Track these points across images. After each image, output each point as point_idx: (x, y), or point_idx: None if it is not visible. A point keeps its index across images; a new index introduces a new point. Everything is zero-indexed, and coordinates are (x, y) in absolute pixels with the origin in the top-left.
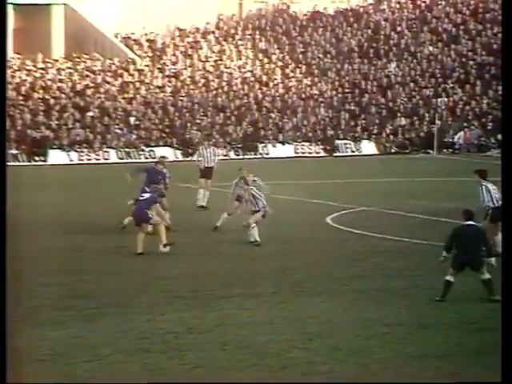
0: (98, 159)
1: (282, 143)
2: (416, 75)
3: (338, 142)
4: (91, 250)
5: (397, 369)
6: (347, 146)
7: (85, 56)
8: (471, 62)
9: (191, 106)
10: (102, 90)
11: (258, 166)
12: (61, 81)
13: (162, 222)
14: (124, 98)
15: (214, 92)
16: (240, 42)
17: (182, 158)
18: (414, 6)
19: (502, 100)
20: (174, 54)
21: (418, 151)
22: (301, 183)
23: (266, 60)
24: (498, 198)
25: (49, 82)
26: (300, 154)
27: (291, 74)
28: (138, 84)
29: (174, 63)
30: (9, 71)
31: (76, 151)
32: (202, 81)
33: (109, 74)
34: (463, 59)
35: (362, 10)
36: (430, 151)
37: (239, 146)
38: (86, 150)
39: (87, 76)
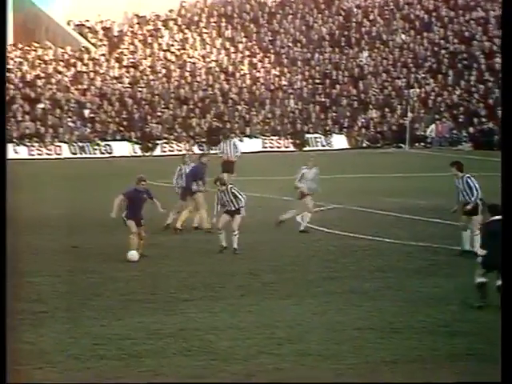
0: (49, 154)
1: (250, 137)
2: (388, 65)
3: (307, 135)
4: (42, 250)
5: (368, 375)
6: (317, 140)
7: (35, 44)
8: (443, 51)
9: (151, 98)
10: (53, 80)
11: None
12: (9, 70)
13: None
14: (77, 89)
15: (176, 83)
16: (204, 30)
17: (141, 152)
18: None
19: (501, 100)
20: (132, 43)
21: (389, 145)
22: (269, 179)
23: (232, 49)
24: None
25: None
26: (268, 149)
27: (259, 64)
28: (92, 74)
29: (133, 52)
30: None
31: (25, 145)
32: (163, 71)
33: (61, 63)
34: (435, 48)
35: None
36: (402, 145)
37: (203, 140)
38: (36, 144)
39: (38, 66)
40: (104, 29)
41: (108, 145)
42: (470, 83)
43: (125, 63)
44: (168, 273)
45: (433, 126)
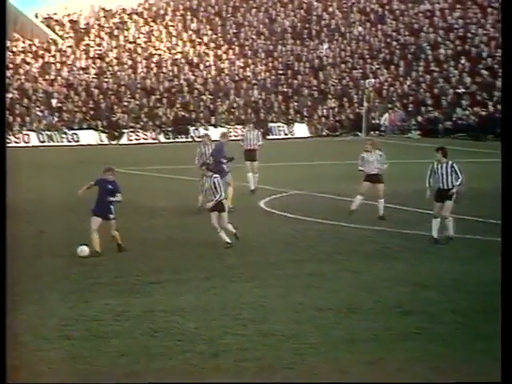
0: (17, 142)
1: (215, 126)
2: (346, 56)
3: (271, 124)
4: (11, 234)
5: (327, 353)
6: (280, 128)
7: None
8: (395, 43)
9: (117, 88)
10: (21, 71)
11: (189, 149)
12: None
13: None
14: (45, 80)
15: (143, 74)
16: (170, 23)
17: (108, 141)
18: None
19: (501, 99)
20: (98, 35)
21: (347, 133)
22: (233, 166)
23: (197, 41)
24: None
25: None
26: (233, 137)
27: (224, 56)
28: (59, 65)
29: (99, 44)
30: None
31: None
32: (130, 62)
33: (29, 54)
34: (388, 39)
35: None
36: (359, 133)
37: (169, 129)
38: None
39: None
40: (71, 21)
41: (75, 133)
42: (419, 73)
43: (91, 54)
44: (132, 257)
45: (386, 114)
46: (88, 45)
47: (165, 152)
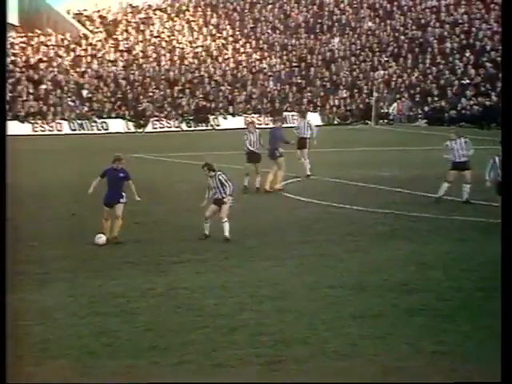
0: (51, 130)
1: (233, 115)
2: (356, 49)
3: (285, 113)
4: (42, 217)
5: (338, 329)
6: (294, 117)
7: (38, 32)
8: (403, 37)
9: (143, 80)
10: (54, 63)
11: (209, 137)
12: (15, 55)
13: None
14: (76, 72)
15: (166, 66)
16: (192, 19)
17: (134, 129)
18: None
19: (501, 99)
20: (126, 30)
21: (357, 122)
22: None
23: (217, 35)
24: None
25: None
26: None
27: (241, 49)
28: (90, 58)
29: (126, 38)
30: None
31: (30, 123)
32: (154, 55)
33: (62, 48)
34: (396, 34)
35: None
36: (368, 122)
37: (191, 117)
38: (39, 121)
39: (41, 51)
40: (100, 17)
41: (104, 122)
42: (425, 66)
43: (119, 48)
44: (155, 238)
45: (394, 104)
46: (116, 39)
47: (186, 139)
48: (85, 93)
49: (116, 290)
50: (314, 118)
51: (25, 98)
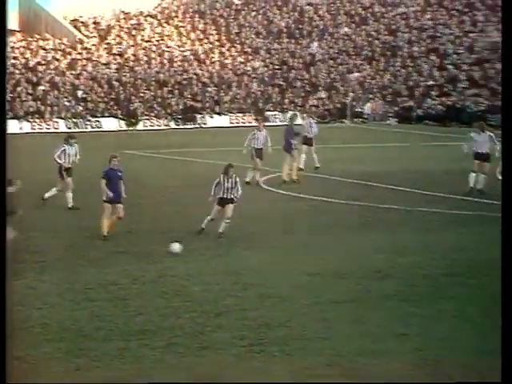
0: (48, 128)
1: (219, 114)
2: (334, 53)
3: (268, 113)
4: (41, 209)
5: (317, 314)
6: (276, 116)
7: (37, 36)
8: (376, 41)
9: (134, 81)
10: (52, 66)
11: (197, 135)
12: (15, 58)
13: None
14: (72, 74)
15: (156, 68)
16: (180, 24)
17: (126, 127)
18: None
19: (501, 99)
20: (118, 35)
21: (335, 121)
22: (235, 150)
23: (204, 40)
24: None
25: None
26: (235, 124)
27: (227, 53)
28: (85, 61)
29: (119, 43)
30: None
31: (29, 121)
32: (145, 58)
33: (59, 52)
34: (370, 39)
35: None
36: (345, 120)
37: (179, 116)
38: (37, 120)
39: (39, 54)
40: (95, 23)
41: (98, 121)
42: (395, 68)
43: (112, 52)
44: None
45: (368, 104)
46: (109, 43)
47: (175, 137)
48: (80, 93)
49: (109, 278)
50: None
51: (24, 99)
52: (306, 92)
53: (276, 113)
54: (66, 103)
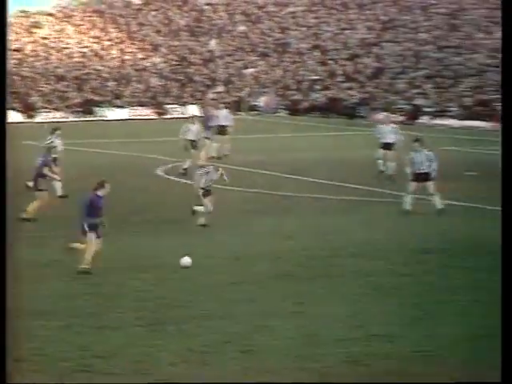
0: None
1: (118, 107)
2: (231, 50)
3: (167, 106)
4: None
5: (215, 294)
6: (175, 109)
7: None
8: (269, 39)
9: (33, 76)
10: None
11: (96, 127)
12: None
13: None
14: None
15: (55, 64)
16: (79, 23)
17: (24, 119)
18: None
19: (501, 99)
20: (16, 32)
21: (232, 113)
22: (135, 141)
23: (103, 38)
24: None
25: None
26: (134, 117)
27: (127, 50)
28: None
29: (17, 40)
30: None
31: None
32: (43, 54)
33: None
34: (264, 36)
35: None
36: (241, 113)
37: (79, 109)
38: None
39: None
40: None
41: None
42: (286, 63)
43: (12, 47)
44: None
45: (262, 97)
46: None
47: (74, 129)
48: None
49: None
50: (194, 110)
51: None
52: (205, 86)
53: (176, 106)
54: None
